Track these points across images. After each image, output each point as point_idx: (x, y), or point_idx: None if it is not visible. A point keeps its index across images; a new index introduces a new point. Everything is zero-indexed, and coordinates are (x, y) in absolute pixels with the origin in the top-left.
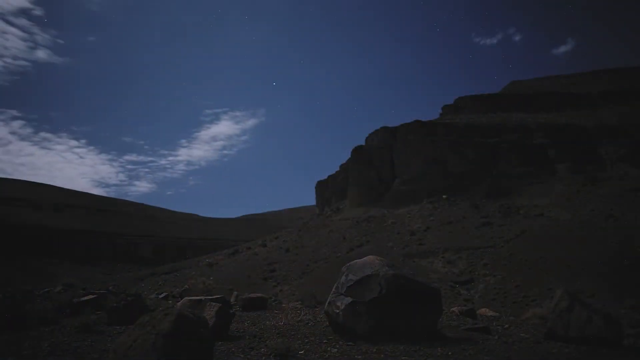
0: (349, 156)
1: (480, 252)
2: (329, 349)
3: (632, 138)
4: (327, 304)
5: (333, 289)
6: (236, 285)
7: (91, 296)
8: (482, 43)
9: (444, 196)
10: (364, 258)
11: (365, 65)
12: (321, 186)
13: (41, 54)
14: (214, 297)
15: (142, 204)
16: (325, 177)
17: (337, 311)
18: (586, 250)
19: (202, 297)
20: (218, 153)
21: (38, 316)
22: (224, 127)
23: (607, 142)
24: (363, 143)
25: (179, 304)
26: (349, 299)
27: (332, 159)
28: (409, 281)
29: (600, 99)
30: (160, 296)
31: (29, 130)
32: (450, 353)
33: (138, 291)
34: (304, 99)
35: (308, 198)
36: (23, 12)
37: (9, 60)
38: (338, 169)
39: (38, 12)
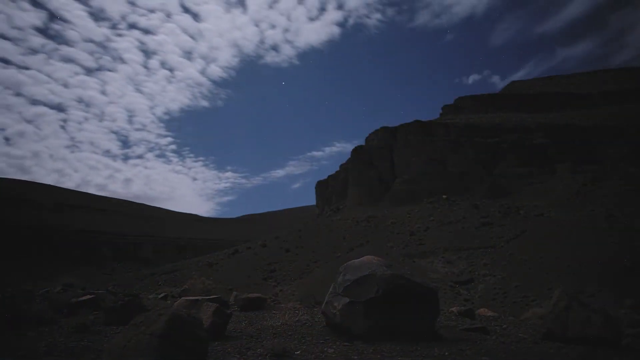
0: (349, 156)
1: (480, 252)
2: (325, 349)
3: (632, 138)
4: (324, 304)
5: (330, 289)
6: (236, 285)
7: (89, 296)
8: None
9: (443, 196)
10: (362, 258)
11: (366, 65)
12: (321, 186)
13: (219, 102)
14: (211, 297)
15: (143, 204)
16: (325, 177)
17: (334, 311)
18: (586, 251)
19: (199, 297)
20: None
21: (36, 316)
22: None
23: (607, 142)
24: (363, 143)
25: (175, 304)
26: (346, 299)
27: (332, 159)
28: (406, 281)
29: (600, 99)
30: (159, 296)
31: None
32: (447, 353)
33: (138, 291)
34: (307, 98)
35: (308, 198)
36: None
37: (192, 106)
38: (338, 169)
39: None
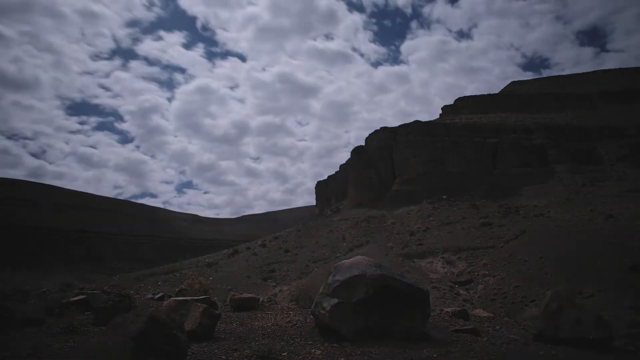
0: (349, 156)
1: (480, 253)
2: (312, 350)
3: (632, 138)
4: (313, 304)
5: (320, 290)
6: (235, 285)
7: (81, 296)
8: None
9: (443, 196)
10: (352, 258)
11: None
12: (321, 186)
13: None
14: (200, 297)
15: (142, 204)
16: (325, 177)
17: (324, 312)
18: (586, 251)
19: (188, 298)
20: None
21: (25, 317)
22: None
23: (607, 142)
24: (363, 143)
25: (164, 305)
26: (336, 300)
27: (332, 159)
28: (396, 282)
29: (600, 99)
30: (156, 297)
31: None
32: (435, 355)
33: (136, 291)
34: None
35: (308, 198)
36: None
37: None
38: (338, 169)
39: None
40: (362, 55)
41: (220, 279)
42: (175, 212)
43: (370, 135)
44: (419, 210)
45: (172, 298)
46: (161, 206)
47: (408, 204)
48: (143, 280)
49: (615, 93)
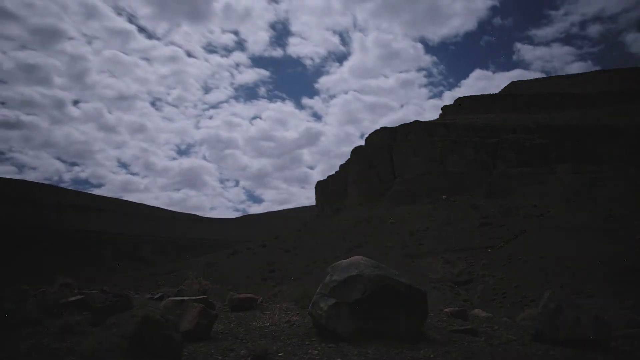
0: (349, 156)
1: (480, 253)
2: (309, 350)
3: (632, 138)
4: (311, 305)
5: (318, 290)
6: (235, 285)
7: (79, 296)
8: None
9: (443, 196)
10: (350, 258)
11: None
12: (321, 186)
13: None
14: (197, 297)
15: (142, 204)
16: (325, 177)
17: (321, 312)
18: (586, 251)
19: (185, 298)
20: None
21: (23, 317)
22: None
23: (607, 142)
24: (363, 143)
25: (161, 305)
26: (333, 300)
27: (331, 159)
28: (393, 282)
29: (600, 99)
30: (155, 297)
31: None
32: (432, 355)
33: (136, 291)
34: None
35: (308, 198)
36: None
37: None
38: (338, 169)
39: None
40: (425, 86)
41: (220, 279)
42: (175, 212)
43: (370, 135)
44: (419, 210)
45: (169, 298)
46: (204, 209)
47: (408, 204)
48: (143, 280)
49: (615, 93)
